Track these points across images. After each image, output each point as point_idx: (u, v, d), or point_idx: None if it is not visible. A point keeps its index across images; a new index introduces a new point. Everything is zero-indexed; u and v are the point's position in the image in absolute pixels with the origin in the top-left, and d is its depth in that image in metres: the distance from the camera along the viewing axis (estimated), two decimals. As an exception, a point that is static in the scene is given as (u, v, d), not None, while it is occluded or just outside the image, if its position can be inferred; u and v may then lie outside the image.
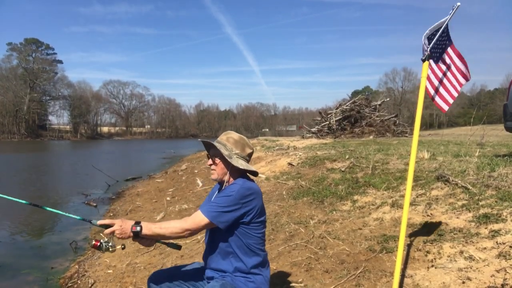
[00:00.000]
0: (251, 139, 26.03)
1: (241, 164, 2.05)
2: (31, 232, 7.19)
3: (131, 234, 1.87)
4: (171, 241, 2.14)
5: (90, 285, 4.11)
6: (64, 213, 2.28)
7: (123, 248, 2.05)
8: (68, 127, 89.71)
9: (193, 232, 1.93)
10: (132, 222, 1.90)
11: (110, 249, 1.95)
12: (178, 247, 2.22)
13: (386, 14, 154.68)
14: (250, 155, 2.16)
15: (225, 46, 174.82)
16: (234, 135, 2.15)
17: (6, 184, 13.34)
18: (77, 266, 4.88)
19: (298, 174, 7.16)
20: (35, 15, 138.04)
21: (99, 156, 30.34)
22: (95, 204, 9.43)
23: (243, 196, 1.97)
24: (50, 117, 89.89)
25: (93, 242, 1.92)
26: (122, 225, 1.88)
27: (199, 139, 2.26)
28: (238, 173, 2.10)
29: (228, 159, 2.04)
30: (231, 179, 2.09)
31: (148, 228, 1.89)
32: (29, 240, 6.67)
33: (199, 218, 1.93)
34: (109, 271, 4.37)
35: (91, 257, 5.14)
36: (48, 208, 2.29)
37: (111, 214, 8.13)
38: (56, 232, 7.10)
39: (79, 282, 4.31)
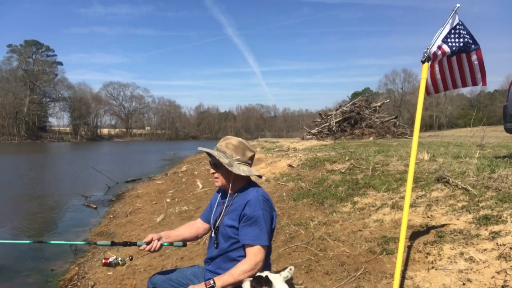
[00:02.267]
0: (250, 140, 26.01)
1: (242, 170, 2.01)
2: (31, 234, 7.18)
3: None
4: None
5: (90, 287, 4.10)
6: (68, 242, 2.51)
7: (130, 259, 2.17)
8: (68, 128, 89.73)
9: (262, 261, 1.92)
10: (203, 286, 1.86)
11: (120, 263, 2.06)
12: (184, 245, 2.27)
13: (387, 15, 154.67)
14: (252, 158, 2.12)
15: (225, 47, 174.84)
16: (233, 140, 2.10)
17: (7, 187, 13.34)
18: (77, 268, 4.87)
19: (298, 175, 7.15)
20: (35, 16, 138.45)
21: (99, 157, 30.34)
22: (95, 206, 9.42)
23: (267, 206, 1.98)
24: (50, 119, 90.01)
25: (103, 260, 2.01)
26: None
27: (199, 148, 2.20)
28: (242, 178, 2.07)
29: (229, 168, 1.99)
30: (236, 186, 2.06)
31: (223, 282, 1.86)
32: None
33: (258, 249, 1.91)
34: (109, 273, 4.36)
35: (91, 259, 5.14)
36: (52, 242, 2.51)
37: (111, 216, 8.12)
38: (56, 234, 7.09)
39: (79, 284, 4.30)
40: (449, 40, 2.48)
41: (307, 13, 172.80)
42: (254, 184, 2.11)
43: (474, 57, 2.56)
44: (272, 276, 1.81)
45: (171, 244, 2.21)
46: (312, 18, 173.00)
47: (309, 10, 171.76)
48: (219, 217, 2.11)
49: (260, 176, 2.17)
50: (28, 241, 2.42)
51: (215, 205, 2.21)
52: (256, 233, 1.91)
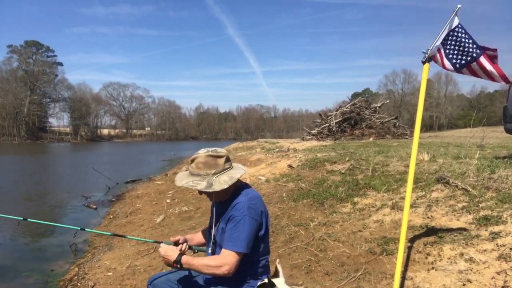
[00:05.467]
0: (250, 141, 25.95)
1: (224, 181, 1.95)
2: (31, 235, 7.18)
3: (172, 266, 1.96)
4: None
5: (90, 288, 4.10)
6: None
7: (195, 252, 2.36)
8: (68, 129, 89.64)
9: (231, 267, 1.86)
10: (175, 255, 1.95)
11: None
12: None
13: (388, 15, 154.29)
14: (227, 160, 2.05)
15: (226, 47, 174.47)
16: (200, 157, 2.01)
17: (6, 187, 13.34)
18: (77, 269, 4.87)
19: (298, 176, 7.15)
20: (36, 16, 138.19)
21: (99, 158, 30.32)
22: (95, 207, 9.42)
23: (253, 211, 1.95)
24: (50, 120, 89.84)
25: (173, 264, 2.04)
26: (166, 256, 1.97)
27: (176, 183, 2.07)
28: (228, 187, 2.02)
29: (209, 190, 1.94)
30: (226, 194, 2.03)
31: (188, 263, 1.93)
32: (29, 242, 6.66)
33: (229, 253, 1.88)
34: (109, 274, 4.36)
35: (91, 259, 5.14)
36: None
37: (111, 217, 8.12)
38: (56, 235, 7.09)
39: (79, 284, 4.30)
40: (447, 48, 2.44)
41: (309, 12, 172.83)
42: (245, 187, 2.08)
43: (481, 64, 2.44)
44: (275, 280, 1.81)
45: (194, 251, 2.37)
46: (314, 18, 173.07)
47: (311, 10, 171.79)
48: (214, 225, 2.12)
49: (244, 171, 2.13)
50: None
51: (212, 212, 2.21)
52: (233, 239, 1.89)
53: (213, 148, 2.07)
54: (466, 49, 2.41)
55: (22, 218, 2.72)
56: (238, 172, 2.04)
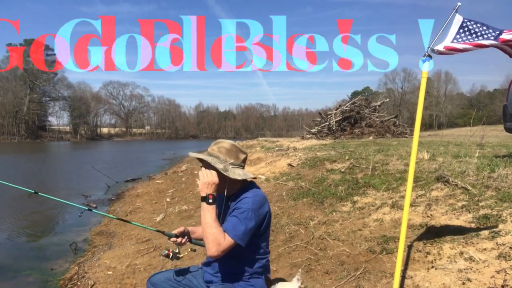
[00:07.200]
0: (250, 140, 25.98)
1: (238, 174, 1.99)
2: (31, 233, 7.18)
3: (210, 192, 1.91)
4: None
5: (90, 287, 4.10)
6: (150, 228, 2.82)
7: (194, 250, 2.38)
8: (68, 128, 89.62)
9: (224, 251, 1.82)
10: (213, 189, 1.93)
11: (179, 256, 2.12)
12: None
13: (388, 14, 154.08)
14: (244, 160, 2.11)
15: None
16: (226, 143, 2.08)
17: (6, 186, 13.32)
18: (77, 268, 4.87)
19: (298, 175, 7.15)
20: (35, 14, 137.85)
21: (98, 157, 30.31)
22: (95, 205, 9.41)
23: (257, 207, 1.95)
24: (50, 118, 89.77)
25: (166, 252, 2.05)
26: (214, 178, 1.93)
27: (190, 154, 2.14)
28: (238, 181, 2.04)
29: (224, 173, 1.96)
30: (232, 189, 2.04)
31: (209, 210, 1.89)
32: (29, 241, 6.66)
33: (226, 238, 1.85)
34: (109, 273, 4.36)
35: (91, 258, 5.14)
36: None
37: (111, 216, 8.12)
38: (56, 234, 7.10)
39: (78, 283, 4.30)
40: (464, 38, 2.37)
41: (310, 11, 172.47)
42: (252, 186, 2.09)
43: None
44: (287, 285, 1.81)
45: (192, 244, 2.35)
46: (315, 17, 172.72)
47: (312, 8, 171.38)
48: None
49: (254, 178, 2.16)
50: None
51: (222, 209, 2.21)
52: (234, 228, 1.87)
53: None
54: (486, 31, 2.36)
55: (33, 191, 2.78)
56: (250, 173, 2.11)
